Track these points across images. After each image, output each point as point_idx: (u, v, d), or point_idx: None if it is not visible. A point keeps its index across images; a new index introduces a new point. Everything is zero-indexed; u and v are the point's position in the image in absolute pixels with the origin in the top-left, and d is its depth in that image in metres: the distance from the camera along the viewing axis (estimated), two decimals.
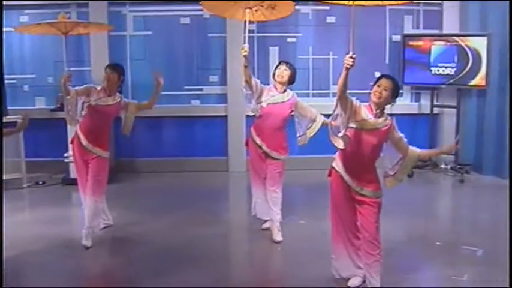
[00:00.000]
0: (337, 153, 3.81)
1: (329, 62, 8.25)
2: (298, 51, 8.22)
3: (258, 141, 5.03)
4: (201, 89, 8.17)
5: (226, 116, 8.09)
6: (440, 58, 7.86)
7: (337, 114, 3.52)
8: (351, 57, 3.42)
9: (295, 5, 4.93)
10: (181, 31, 8.06)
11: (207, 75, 8.15)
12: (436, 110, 8.29)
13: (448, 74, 7.84)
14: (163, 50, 8.10)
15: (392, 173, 3.80)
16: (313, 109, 5.12)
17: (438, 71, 7.90)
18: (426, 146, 8.17)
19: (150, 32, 8.03)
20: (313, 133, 5.07)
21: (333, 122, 3.56)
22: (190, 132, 8.19)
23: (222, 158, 8.16)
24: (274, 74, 5.02)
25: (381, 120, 3.62)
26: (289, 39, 8.17)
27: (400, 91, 8.11)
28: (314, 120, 5.07)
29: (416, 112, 8.40)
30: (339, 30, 8.05)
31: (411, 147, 3.78)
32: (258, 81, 5.00)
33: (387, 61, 8.27)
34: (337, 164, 3.78)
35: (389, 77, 3.67)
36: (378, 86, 3.61)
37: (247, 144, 5.21)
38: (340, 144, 3.56)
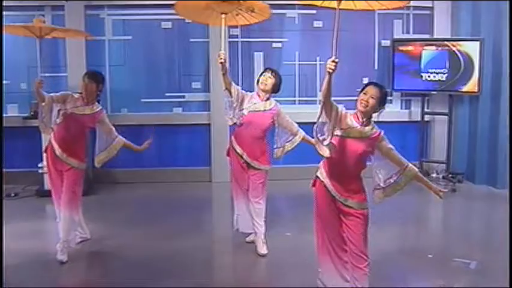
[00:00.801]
0: (321, 162, 3.82)
1: (316, 68, 8.28)
2: (284, 57, 8.25)
3: (239, 150, 5.04)
4: (183, 96, 8.17)
5: (209, 125, 8.08)
6: (431, 63, 7.91)
7: (322, 122, 3.53)
8: (333, 61, 3.41)
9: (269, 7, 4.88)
10: (162, 36, 8.08)
11: (190, 81, 8.16)
12: (427, 117, 8.34)
13: (439, 80, 7.90)
14: (144, 56, 8.10)
15: (383, 186, 3.74)
16: (295, 124, 5.10)
17: (429, 76, 7.94)
18: (416, 154, 8.26)
19: (129, 37, 8.04)
20: (291, 148, 5.08)
21: (317, 130, 3.56)
22: (172, 141, 8.18)
23: (205, 168, 8.15)
24: (258, 81, 5.03)
25: (367, 128, 3.62)
26: (274, 45, 8.19)
27: (390, 98, 8.40)
28: (295, 135, 5.07)
29: (406, 120, 8.45)
30: (326, 35, 8.03)
31: (411, 164, 3.76)
32: (239, 88, 5.02)
33: (376, 67, 8.33)
34: (322, 174, 3.78)
35: (377, 85, 3.68)
36: (365, 93, 3.62)
37: (228, 153, 5.21)
38: (325, 152, 3.55)
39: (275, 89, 5.03)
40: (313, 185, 3.86)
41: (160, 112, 8.09)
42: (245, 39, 8.13)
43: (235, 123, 5.05)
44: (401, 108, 8.50)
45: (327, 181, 3.75)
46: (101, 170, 7.80)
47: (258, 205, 5.07)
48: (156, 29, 8.06)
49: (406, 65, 8.07)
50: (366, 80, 8.10)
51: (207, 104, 8.15)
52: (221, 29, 4.83)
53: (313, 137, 3.61)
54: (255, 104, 4.96)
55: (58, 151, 4.90)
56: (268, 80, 4.97)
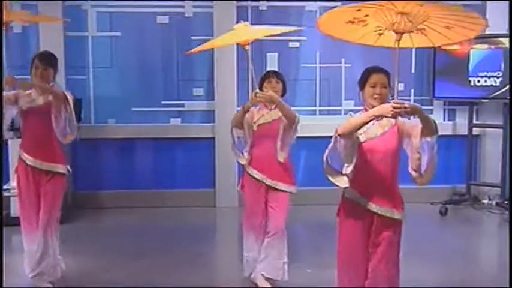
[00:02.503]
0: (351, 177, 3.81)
1: (341, 72, 8.29)
2: (303, 59, 8.27)
3: (257, 175, 5.04)
4: (182, 105, 8.19)
5: (213, 138, 8.06)
6: (481, 65, 7.85)
7: (334, 152, 3.60)
8: (396, 105, 3.36)
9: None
10: (157, 32, 8.10)
11: (190, 87, 8.19)
12: (475, 131, 8.27)
13: (491, 86, 7.83)
14: (135, 56, 8.12)
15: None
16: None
17: (479, 81, 7.87)
18: (463, 176, 8.17)
19: (118, 33, 8.03)
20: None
21: (329, 158, 3.62)
22: (169, 158, 8.21)
23: (208, 191, 8.16)
24: (261, 89, 5.03)
25: (385, 120, 3.67)
26: (291, 44, 8.22)
27: (430, 107, 8.30)
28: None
29: (450, 133, 8.36)
30: None
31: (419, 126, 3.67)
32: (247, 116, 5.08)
33: (413, 70, 8.32)
34: (352, 192, 3.79)
35: (379, 70, 3.76)
36: (373, 86, 3.70)
37: (242, 187, 5.20)
38: (344, 182, 3.63)
39: (283, 93, 5.11)
40: (339, 213, 3.88)
41: (155, 123, 8.10)
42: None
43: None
44: (444, 120, 8.46)
45: (358, 197, 3.77)
46: (83, 193, 7.89)
47: (278, 237, 5.06)
48: (150, 24, 8.07)
49: (451, 68, 8.03)
50: (401, 87, 8.14)
51: (211, 114, 8.15)
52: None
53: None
54: (263, 115, 5.03)
55: (29, 160, 4.88)
56: (277, 86, 5.04)
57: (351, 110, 7.63)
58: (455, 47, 7.85)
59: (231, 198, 7.96)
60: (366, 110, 3.70)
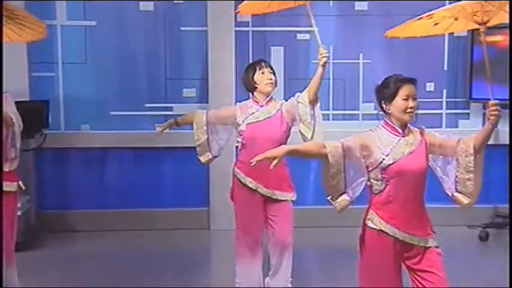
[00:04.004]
0: (372, 204, 3.96)
1: (358, 69, 8.33)
2: (314, 53, 8.03)
3: (251, 183, 5.17)
4: (170, 108, 8.19)
5: None
6: None
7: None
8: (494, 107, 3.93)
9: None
10: (140, 22, 8.09)
11: (180, 87, 8.21)
12: None
13: None
14: (114, 50, 8.11)
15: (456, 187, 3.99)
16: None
17: None
18: (506, 192, 8.06)
19: (93, 22, 7.99)
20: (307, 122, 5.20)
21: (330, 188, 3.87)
22: (155, 172, 8.22)
23: (202, 210, 8.21)
24: (252, 81, 5.22)
25: (411, 136, 3.92)
26: (300, 36, 8.25)
27: (466, 111, 8.21)
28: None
29: (491, 142, 8.09)
30: (373, 22, 8.11)
31: (462, 138, 4.01)
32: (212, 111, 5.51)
33: (446, 67, 8.37)
34: (376, 219, 3.92)
35: (410, 80, 3.93)
36: (405, 98, 3.85)
37: (232, 196, 5.39)
38: (344, 203, 3.86)
39: (275, 85, 5.34)
40: (362, 242, 3.98)
41: (137, 130, 8.08)
42: (258, 28, 8.21)
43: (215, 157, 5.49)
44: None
45: (388, 228, 3.88)
46: (50, 213, 7.84)
47: (286, 256, 5.21)
48: (131, 12, 8.06)
49: (491, 63, 7.75)
50: (431, 87, 8.19)
51: None
52: None
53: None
54: (253, 113, 5.20)
55: None
56: (273, 77, 5.23)
57: (370, 115, 7.76)
58: (498, 37, 7.82)
59: (228, 219, 7.58)
60: (388, 125, 3.90)
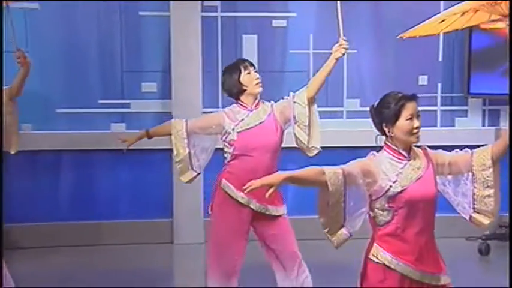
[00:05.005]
0: (376, 238, 3.94)
1: (342, 60, 8.11)
2: (291, 43, 8.32)
3: (242, 197, 5.16)
4: (127, 105, 8.19)
5: (170, 150, 7.74)
6: None
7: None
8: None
9: None
10: (92, 5, 8.00)
11: (139, 81, 8.19)
12: None
13: None
14: (61, 38, 7.99)
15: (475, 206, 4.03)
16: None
17: None
18: (507, 201, 8.09)
19: (35, 4, 7.88)
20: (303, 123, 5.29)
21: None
22: (110, 178, 8.19)
23: (164, 222, 8.20)
24: (239, 83, 5.25)
25: (417, 160, 3.93)
26: (275, 23, 8.27)
27: (464, 108, 8.22)
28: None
29: (492, 142, 8.33)
30: (359, 8, 8.09)
31: (475, 150, 4.02)
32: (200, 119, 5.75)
33: (441, 57, 8.43)
34: (380, 253, 3.91)
35: (412, 97, 3.93)
36: (410, 118, 3.83)
37: (212, 208, 5.40)
38: (343, 237, 3.88)
39: None
40: (365, 276, 3.97)
41: (89, 130, 8.01)
42: (228, 14, 8.20)
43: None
44: (483, 125, 8.54)
45: (395, 263, 3.88)
46: None
47: (304, 274, 5.31)
48: None
49: (492, 53, 8.03)
50: (424, 80, 8.19)
51: (167, 117, 7.67)
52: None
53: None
54: (242, 120, 5.22)
55: None
56: (259, 77, 5.30)
57: (356, 112, 7.71)
58: (499, 24, 7.80)
59: (194, 232, 7.97)
60: (390, 149, 3.90)
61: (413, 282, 3.89)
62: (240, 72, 5.22)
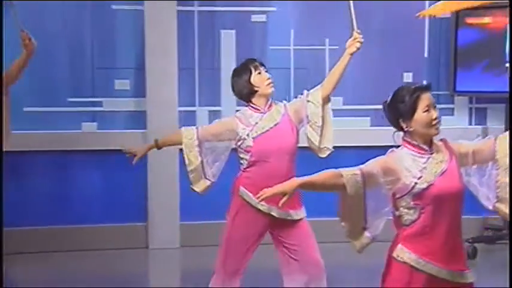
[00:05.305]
0: (401, 238, 3.90)
1: (324, 56, 8.32)
2: (271, 38, 8.31)
3: (263, 205, 5.09)
4: (99, 103, 8.15)
5: None
6: None
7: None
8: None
9: None
10: None
11: (111, 78, 8.15)
12: None
13: None
14: (28, 32, 7.82)
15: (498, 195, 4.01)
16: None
17: None
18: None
19: None
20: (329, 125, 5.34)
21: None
22: (80, 180, 8.14)
23: (138, 225, 8.18)
24: (250, 84, 5.19)
25: (440, 154, 3.88)
26: (254, 17, 8.27)
27: (450, 106, 8.21)
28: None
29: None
30: (340, 2, 8.01)
31: (500, 136, 4.03)
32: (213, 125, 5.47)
33: (426, 53, 8.46)
34: (412, 258, 3.86)
35: (427, 87, 3.93)
36: (427, 110, 3.80)
37: (231, 215, 5.34)
38: (366, 240, 3.86)
39: None
40: (388, 276, 3.96)
41: (58, 130, 7.95)
42: (206, 8, 8.17)
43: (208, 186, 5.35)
44: (469, 124, 8.61)
45: (422, 264, 3.86)
46: None
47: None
48: None
49: (479, 49, 8.04)
50: (409, 77, 8.30)
51: (141, 116, 8.11)
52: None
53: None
54: (256, 124, 5.19)
55: None
56: (269, 77, 5.27)
57: (339, 110, 7.68)
58: (486, 19, 7.83)
59: (169, 236, 7.98)
60: (410, 144, 3.88)
61: (441, 282, 3.88)
62: (251, 73, 5.18)
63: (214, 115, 8.02)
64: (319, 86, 5.27)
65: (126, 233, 8.05)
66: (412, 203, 3.78)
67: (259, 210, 5.15)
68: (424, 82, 8.17)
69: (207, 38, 8.13)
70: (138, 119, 8.05)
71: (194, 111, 8.14)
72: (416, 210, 3.79)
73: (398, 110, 3.84)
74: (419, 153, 3.85)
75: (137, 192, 8.09)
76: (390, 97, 3.91)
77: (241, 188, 5.22)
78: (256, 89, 5.18)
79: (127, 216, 8.08)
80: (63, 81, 8.01)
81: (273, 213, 5.14)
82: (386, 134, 7.82)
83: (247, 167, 5.21)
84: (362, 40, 5.09)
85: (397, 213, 3.83)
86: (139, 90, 8.08)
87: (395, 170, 3.77)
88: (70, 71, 8.02)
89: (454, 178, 3.83)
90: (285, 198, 3.69)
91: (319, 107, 5.20)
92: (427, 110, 3.77)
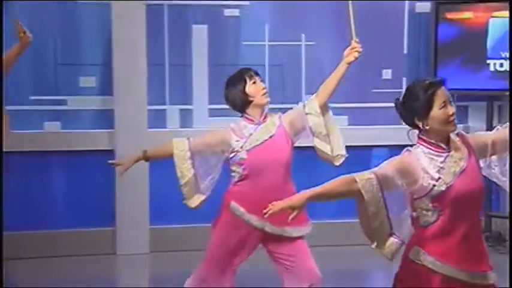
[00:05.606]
0: (418, 239, 3.86)
1: (300, 53, 8.35)
2: (245, 34, 8.32)
3: (256, 221, 5.08)
4: (63, 102, 8.08)
5: (112, 152, 7.87)
6: (505, 42, 7.78)
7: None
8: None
9: None
10: None
11: (76, 75, 8.09)
12: None
13: None
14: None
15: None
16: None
17: (502, 65, 7.88)
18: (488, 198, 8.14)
19: None
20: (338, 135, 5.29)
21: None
22: (44, 183, 8.07)
23: (105, 230, 8.11)
24: (245, 94, 5.15)
25: (459, 152, 3.82)
26: (228, 12, 8.25)
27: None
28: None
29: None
30: None
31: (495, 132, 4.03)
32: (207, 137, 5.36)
33: (405, 50, 8.47)
34: (429, 260, 3.83)
35: (440, 82, 3.84)
36: (443, 106, 3.73)
37: (216, 226, 5.31)
38: (393, 247, 3.79)
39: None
40: (404, 277, 3.93)
41: (20, 130, 7.70)
42: (176, 2, 8.18)
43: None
44: None
45: (440, 266, 3.83)
46: None
47: None
48: None
49: (460, 46, 8.07)
50: (388, 74, 8.25)
51: (108, 115, 8.07)
52: None
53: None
54: (251, 135, 5.15)
55: None
56: (264, 86, 5.24)
57: None
58: (467, 14, 7.82)
59: (138, 241, 7.91)
60: (426, 142, 3.79)
61: (460, 283, 3.86)
62: (245, 83, 5.14)
63: (185, 114, 8.05)
64: (313, 96, 5.23)
65: (92, 238, 7.98)
66: (430, 205, 3.75)
67: (251, 225, 5.12)
68: (404, 79, 8.36)
69: (178, 33, 8.10)
70: (105, 118, 8.00)
71: (164, 110, 8.08)
72: (435, 212, 3.75)
73: (412, 108, 3.79)
74: (436, 151, 3.79)
75: (104, 194, 8.01)
76: (403, 95, 3.86)
77: (233, 203, 5.16)
78: (251, 99, 5.14)
79: (93, 220, 7.99)
80: (25, 78, 7.92)
81: (266, 229, 5.10)
82: (364, 133, 7.84)
83: (239, 181, 5.17)
84: (360, 50, 5.05)
85: (414, 214, 3.80)
86: (106, 88, 8.01)
87: (411, 171, 3.73)
88: (32, 68, 7.95)
89: (474, 176, 3.80)
90: (294, 214, 3.63)
91: (319, 116, 5.15)
92: (443, 106, 3.71)
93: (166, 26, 8.11)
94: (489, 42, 7.88)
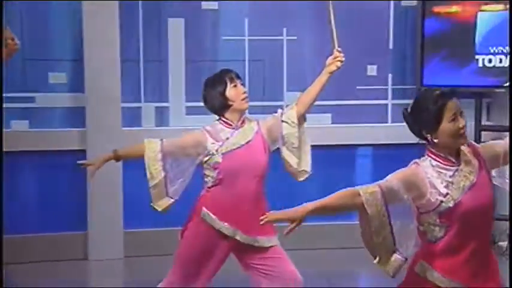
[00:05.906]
0: (425, 254, 3.85)
1: (282, 48, 8.34)
2: (224, 28, 8.32)
3: (227, 228, 5.13)
4: (31, 99, 8.06)
5: (84, 152, 7.82)
6: (495, 37, 7.84)
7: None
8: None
9: None
10: None
11: (45, 71, 8.06)
12: (485, 136, 8.07)
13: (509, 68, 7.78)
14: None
15: None
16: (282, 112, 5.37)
17: (490, 61, 7.90)
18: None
19: None
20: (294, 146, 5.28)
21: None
22: (11, 185, 7.70)
23: (76, 234, 8.08)
24: (225, 98, 5.17)
25: (469, 165, 3.81)
26: (205, 5, 8.24)
27: None
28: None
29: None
30: None
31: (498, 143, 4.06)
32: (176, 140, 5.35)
33: (391, 45, 8.48)
34: (436, 276, 3.83)
35: (452, 92, 3.85)
36: (453, 119, 3.72)
37: (184, 234, 5.30)
38: (397, 263, 3.75)
39: None
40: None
41: None
42: None
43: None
44: None
45: (448, 282, 3.82)
46: None
47: None
48: None
49: (447, 41, 8.06)
50: (373, 71, 8.30)
51: (79, 113, 8.03)
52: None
53: None
54: (227, 139, 5.17)
55: None
56: (245, 90, 5.27)
57: None
58: (455, 8, 7.80)
59: (112, 246, 7.90)
60: (434, 154, 3.80)
61: None
62: (226, 85, 5.15)
63: (161, 112, 8.03)
64: (293, 104, 5.26)
65: (63, 243, 7.94)
66: (437, 220, 3.74)
67: (223, 233, 5.13)
68: (390, 75, 8.34)
69: (153, 26, 8.09)
70: (76, 117, 7.98)
71: (139, 108, 8.05)
72: (443, 227, 3.74)
73: (421, 119, 3.78)
74: (445, 165, 3.78)
75: (75, 197, 7.99)
76: (411, 104, 3.83)
77: (204, 210, 5.15)
78: (230, 103, 5.16)
79: (64, 224, 7.99)
80: None
81: (237, 237, 5.12)
82: (348, 132, 7.77)
83: (212, 186, 5.18)
84: (343, 59, 5.11)
85: (421, 228, 3.78)
86: (77, 84, 7.97)
87: (418, 185, 3.71)
88: None
89: (483, 191, 3.79)
90: (293, 226, 3.59)
91: (295, 127, 5.18)
92: (453, 119, 3.70)
93: (140, 19, 8.07)
94: (477, 37, 7.90)
